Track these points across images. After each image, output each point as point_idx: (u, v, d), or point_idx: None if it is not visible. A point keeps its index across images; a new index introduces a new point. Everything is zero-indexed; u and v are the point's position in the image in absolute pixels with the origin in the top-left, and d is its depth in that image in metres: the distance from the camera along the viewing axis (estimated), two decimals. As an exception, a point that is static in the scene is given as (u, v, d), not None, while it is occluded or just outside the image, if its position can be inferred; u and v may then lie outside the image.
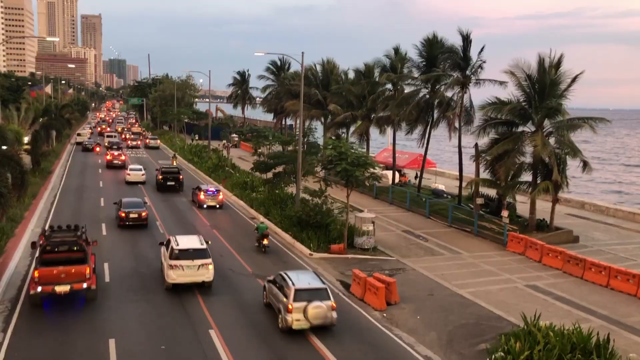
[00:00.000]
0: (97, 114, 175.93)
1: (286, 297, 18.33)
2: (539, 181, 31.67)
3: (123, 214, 31.47)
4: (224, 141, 71.36)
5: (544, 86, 31.19)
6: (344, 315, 20.20)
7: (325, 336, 18.08)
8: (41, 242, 21.52)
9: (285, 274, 19.56)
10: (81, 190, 42.99)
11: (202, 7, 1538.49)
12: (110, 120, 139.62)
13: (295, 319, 17.92)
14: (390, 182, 46.24)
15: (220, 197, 38.77)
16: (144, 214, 31.96)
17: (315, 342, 17.71)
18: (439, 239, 31.82)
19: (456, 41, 37.93)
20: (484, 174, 34.59)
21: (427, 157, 45.21)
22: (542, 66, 31.35)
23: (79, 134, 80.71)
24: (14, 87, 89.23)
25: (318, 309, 17.84)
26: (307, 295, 18.15)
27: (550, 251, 27.53)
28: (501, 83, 35.60)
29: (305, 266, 25.86)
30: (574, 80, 31.51)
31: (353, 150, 28.16)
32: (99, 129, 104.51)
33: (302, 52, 34.00)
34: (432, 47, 40.51)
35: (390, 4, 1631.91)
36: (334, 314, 18.32)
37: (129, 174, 46.58)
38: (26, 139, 51.98)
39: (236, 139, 79.64)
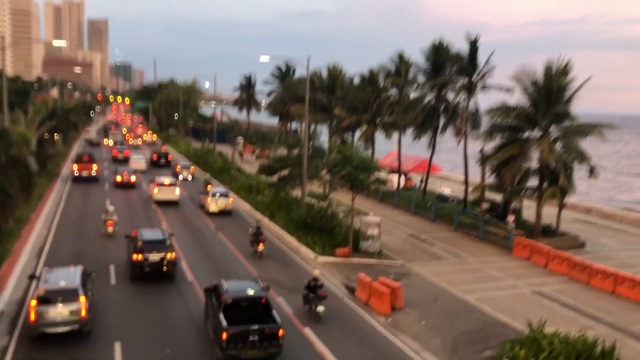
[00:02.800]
0: (108, 116, 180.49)
1: (206, 196, 37.58)
2: (545, 186, 31.56)
3: (119, 178, 45.86)
4: (239, 147, 71.46)
5: (550, 92, 31.10)
6: (349, 319, 20.22)
7: (329, 340, 18.08)
8: (75, 156, 52.47)
9: (210, 191, 38.02)
10: (87, 192, 43.34)
11: (208, 11, 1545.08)
12: (117, 122, 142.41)
13: (212, 206, 36.73)
14: (396, 186, 46.20)
15: (192, 169, 54.13)
16: (133, 179, 46.10)
17: (318, 346, 17.71)
18: (444, 244, 31.75)
19: (462, 47, 37.93)
20: (490, 179, 34.50)
21: (433, 161, 45.18)
22: (549, 72, 31.28)
23: (87, 130, 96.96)
24: (21, 91, 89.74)
25: (223, 200, 36.97)
26: (218, 195, 37.18)
27: (556, 257, 27.42)
28: (508, 90, 35.50)
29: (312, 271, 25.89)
30: (580, 85, 31.46)
31: (358, 154, 28.16)
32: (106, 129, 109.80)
33: (308, 57, 34.22)
34: (439, 53, 40.49)
35: (397, 10, 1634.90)
36: (231, 205, 37.49)
37: (132, 163, 55.82)
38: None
39: (241, 142, 79.74)
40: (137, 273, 22.76)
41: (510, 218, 31.32)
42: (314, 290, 20.11)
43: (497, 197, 36.98)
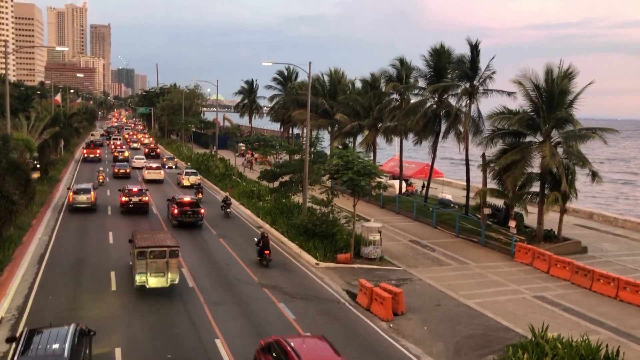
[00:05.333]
0: (112, 121, 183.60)
1: (181, 175, 51.75)
2: (547, 191, 31.51)
3: (116, 170, 55.02)
4: (248, 156, 70.73)
5: (552, 96, 31.09)
6: (350, 325, 20.16)
7: (331, 346, 17.98)
8: (85, 144, 77.57)
9: (183, 170, 53.04)
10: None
11: (210, 17, 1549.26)
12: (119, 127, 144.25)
13: (185, 181, 50.32)
14: (397, 191, 46.16)
15: (175, 160, 68.96)
16: (128, 170, 55.79)
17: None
18: (446, 249, 31.69)
19: (464, 51, 37.88)
20: (492, 184, 34.46)
21: (435, 166, 45.14)
22: (550, 76, 31.27)
23: (92, 134, 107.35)
24: (24, 96, 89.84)
25: (194, 177, 50.63)
26: (189, 174, 51.28)
27: (558, 262, 27.34)
28: (510, 94, 35.49)
29: (312, 277, 25.84)
30: (582, 90, 31.43)
31: (359, 160, 28.12)
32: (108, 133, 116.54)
33: (310, 62, 34.19)
34: (440, 57, 40.50)
35: (398, 14, 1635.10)
36: (200, 182, 49.51)
37: (134, 161, 64.61)
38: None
39: (243, 148, 79.77)
40: (125, 208, 37.36)
41: (512, 223, 31.24)
42: (225, 202, 38.59)
43: (499, 203, 36.91)
